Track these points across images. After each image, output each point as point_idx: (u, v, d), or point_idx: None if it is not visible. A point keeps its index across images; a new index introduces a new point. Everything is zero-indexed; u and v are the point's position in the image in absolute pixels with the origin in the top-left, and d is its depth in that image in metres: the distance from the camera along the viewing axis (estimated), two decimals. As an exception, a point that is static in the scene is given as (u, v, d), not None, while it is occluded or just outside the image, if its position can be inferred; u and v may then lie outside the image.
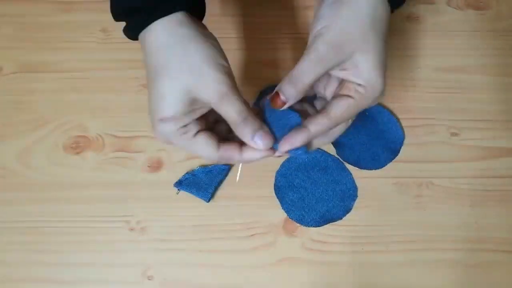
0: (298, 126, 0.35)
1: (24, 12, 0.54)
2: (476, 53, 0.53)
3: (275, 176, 0.47)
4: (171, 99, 0.33)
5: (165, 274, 0.44)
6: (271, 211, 0.46)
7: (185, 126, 0.34)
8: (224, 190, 0.47)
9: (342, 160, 0.48)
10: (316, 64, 0.33)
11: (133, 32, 0.35)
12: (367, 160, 0.48)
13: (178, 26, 0.33)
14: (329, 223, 0.46)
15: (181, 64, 0.33)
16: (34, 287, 0.44)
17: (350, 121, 0.37)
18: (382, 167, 0.48)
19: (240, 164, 0.46)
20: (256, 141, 0.33)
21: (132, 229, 0.45)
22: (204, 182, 0.46)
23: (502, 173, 0.48)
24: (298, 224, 0.46)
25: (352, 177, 0.47)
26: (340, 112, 0.34)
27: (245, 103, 0.34)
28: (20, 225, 0.45)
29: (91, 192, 0.47)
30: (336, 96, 0.35)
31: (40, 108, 0.50)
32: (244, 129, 0.33)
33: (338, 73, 0.35)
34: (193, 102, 0.33)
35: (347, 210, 0.46)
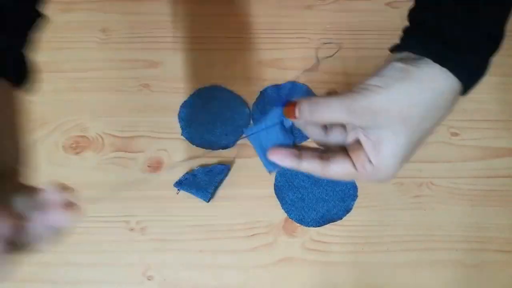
0: (293, 149, 0.33)
1: (24, 12, 0.54)
2: (476, 53, 0.52)
3: (275, 176, 0.47)
4: None
5: (165, 274, 0.44)
6: (271, 211, 0.46)
7: None
8: (224, 190, 0.47)
9: (342, 160, 0.48)
10: (344, 111, 0.31)
11: None
12: (367, 160, 0.48)
13: None
14: (329, 223, 0.46)
15: None
16: (34, 287, 0.44)
17: None
18: (382, 167, 0.48)
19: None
20: None
21: (132, 229, 0.45)
22: (204, 182, 0.46)
23: (502, 173, 0.48)
24: (298, 224, 0.46)
25: (352, 177, 0.47)
26: (337, 174, 0.33)
27: None
28: (20, 225, 0.45)
29: (91, 192, 0.46)
30: (345, 153, 0.33)
31: (40, 108, 0.50)
32: None
33: (360, 135, 0.32)
34: None
35: (347, 210, 0.46)
